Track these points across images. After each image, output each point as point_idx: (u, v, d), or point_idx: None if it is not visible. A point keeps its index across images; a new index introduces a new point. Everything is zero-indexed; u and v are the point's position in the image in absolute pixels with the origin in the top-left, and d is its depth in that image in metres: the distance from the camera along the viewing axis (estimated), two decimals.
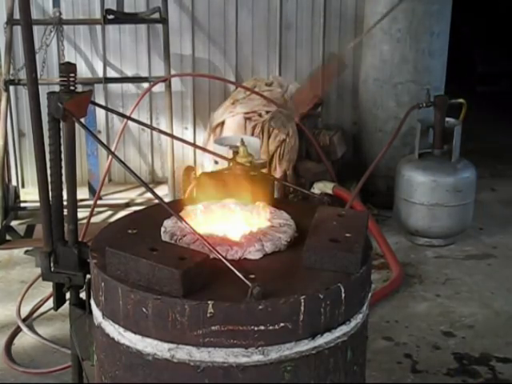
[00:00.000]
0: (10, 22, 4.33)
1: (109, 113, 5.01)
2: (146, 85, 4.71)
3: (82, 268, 1.84)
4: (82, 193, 4.24)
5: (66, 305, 1.95)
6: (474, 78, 8.00)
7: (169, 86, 4.46)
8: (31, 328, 3.23)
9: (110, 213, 4.51)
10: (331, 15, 5.11)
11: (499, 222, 4.59)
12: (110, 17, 4.39)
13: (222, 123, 4.53)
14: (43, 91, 1.80)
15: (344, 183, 4.37)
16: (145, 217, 1.92)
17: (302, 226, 1.79)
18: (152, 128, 5.01)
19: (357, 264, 1.58)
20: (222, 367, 1.48)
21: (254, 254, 1.65)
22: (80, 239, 1.90)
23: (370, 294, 1.72)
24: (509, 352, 3.12)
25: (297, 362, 1.51)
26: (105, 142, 4.71)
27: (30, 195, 4.61)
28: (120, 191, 4.91)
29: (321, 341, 1.53)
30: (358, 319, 1.62)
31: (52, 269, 1.88)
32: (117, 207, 4.53)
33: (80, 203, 3.44)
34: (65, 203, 1.89)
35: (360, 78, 4.94)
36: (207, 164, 4.06)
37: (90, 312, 1.72)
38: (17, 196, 4.58)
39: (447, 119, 4.24)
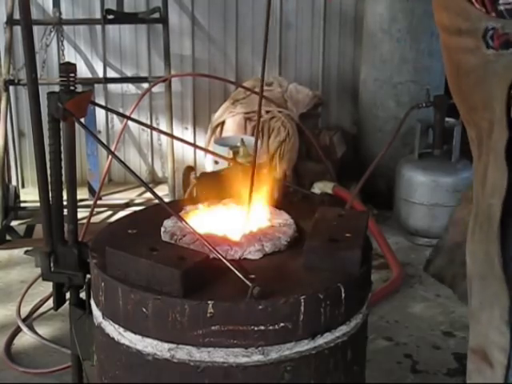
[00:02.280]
0: (10, 21, 4.33)
1: (109, 113, 5.00)
2: (146, 85, 4.71)
3: (82, 268, 1.84)
4: (82, 193, 4.24)
5: (66, 305, 1.95)
6: None
7: (169, 86, 4.46)
8: (31, 328, 3.23)
9: (109, 213, 4.50)
10: (331, 16, 5.11)
11: None
12: (110, 17, 4.40)
13: (222, 123, 4.53)
14: (43, 91, 1.80)
15: (344, 183, 4.37)
16: (145, 217, 1.92)
17: (302, 226, 1.79)
18: (152, 128, 5.01)
19: (357, 264, 1.58)
20: (222, 367, 1.48)
21: (253, 254, 1.65)
22: (80, 239, 1.90)
23: (370, 294, 1.72)
24: None
25: (297, 361, 1.51)
26: (105, 142, 4.71)
27: (29, 195, 4.61)
28: (120, 191, 4.91)
29: (321, 341, 1.53)
30: (358, 319, 1.62)
31: (52, 269, 1.88)
32: (117, 207, 4.52)
33: (80, 203, 3.44)
34: (65, 203, 1.89)
35: (360, 78, 4.93)
36: (208, 165, 4.07)
37: (90, 312, 1.72)
38: (17, 196, 4.57)
39: (447, 119, 4.24)
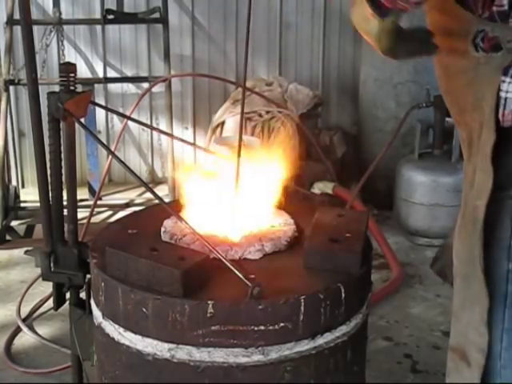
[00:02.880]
0: (10, 21, 4.33)
1: (109, 113, 5.00)
2: (146, 85, 4.71)
3: (82, 268, 1.83)
4: (82, 193, 4.24)
5: (66, 305, 1.95)
6: None
7: (169, 86, 4.46)
8: (31, 328, 3.23)
9: (109, 213, 4.50)
10: (331, 15, 5.11)
11: None
12: (110, 17, 4.40)
13: (222, 123, 4.53)
14: (43, 91, 1.80)
15: (344, 183, 4.37)
16: (145, 217, 1.92)
17: (302, 225, 1.79)
18: (152, 128, 5.01)
19: (357, 264, 1.58)
20: (222, 367, 1.48)
21: (253, 254, 1.65)
22: (80, 239, 1.90)
23: (370, 294, 1.72)
24: None
25: (297, 361, 1.51)
26: (105, 142, 4.71)
27: (29, 195, 4.61)
28: (120, 191, 4.91)
29: (321, 341, 1.53)
30: (358, 319, 1.62)
31: (52, 269, 1.88)
32: (117, 207, 4.52)
33: (80, 203, 3.44)
34: (65, 203, 1.89)
35: (360, 78, 4.93)
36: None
37: (90, 312, 1.72)
38: (17, 196, 4.58)
39: (447, 119, 4.23)
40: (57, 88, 1.91)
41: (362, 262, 1.59)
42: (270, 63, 5.12)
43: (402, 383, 2.92)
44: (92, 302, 1.70)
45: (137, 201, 4.63)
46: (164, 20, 4.48)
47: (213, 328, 1.45)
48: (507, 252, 1.36)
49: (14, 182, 4.80)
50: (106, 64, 4.89)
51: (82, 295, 1.84)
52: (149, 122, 4.93)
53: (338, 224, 1.72)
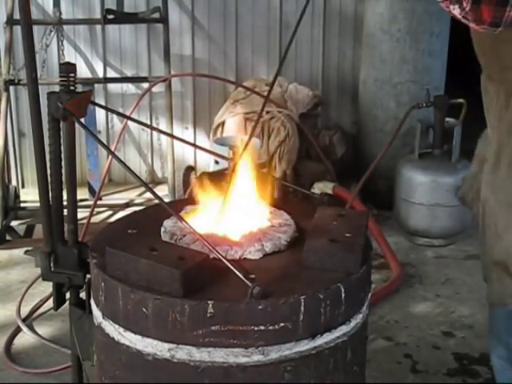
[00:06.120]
0: (10, 21, 4.33)
1: (109, 113, 5.00)
2: (145, 85, 4.71)
3: (82, 268, 1.84)
4: (82, 193, 4.24)
5: (66, 305, 1.95)
6: (474, 78, 8.00)
7: (169, 86, 4.46)
8: (31, 328, 3.23)
9: (109, 213, 4.50)
10: (331, 16, 5.11)
11: None
12: (110, 17, 4.40)
13: (223, 123, 4.53)
14: (43, 91, 1.80)
15: (344, 183, 4.37)
16: (145, 217, 1.92)
17: (301, 225, 1.79)
18: (152, 128, 5.01)
19: (357, 264, 1.58)
20: (222, 367, 1.48)
21: (253, 253, 1.65)
22: (80, 239, 1.90)
23: (370, 294, 1.72)
24: None
25: (297, 362, 1.51)
26: (105, 142, 4.71)
27: (29, 195, 4.61)
28: (120, 191, 4.91)
29: (321, 341, 1.53)
30: (358, 319, 1.62)
31: (52, 269, 1.88)
32: (117, 207, 4.52)
33: (80, 203, 3.44)
34: (65, 203, 1.89)
35: (360, 78, 4.94)
36: (211, 165, 4.07)
37: (90, 312, 1.72)
38: (17, 196, 4.57)
39: (447, 119, 4.24)
40: (57, 88, 1.91)
41: (362, 262, 1.60)
42: (270, 63, 5.12)
43: (402, 383, 2.92)
44: (92, 301, 1.70)
45: (137, 201, 4.63)
46: (164, 20, 4.49)
47: (213, 328, 1.46)
48: None
49: (14, 182, 4.80)
50: (105, 64, 4.89)
51: (82, 295, 1.85)
52: (149, 122, 4.93)
53: (337, 224, 1.72)
